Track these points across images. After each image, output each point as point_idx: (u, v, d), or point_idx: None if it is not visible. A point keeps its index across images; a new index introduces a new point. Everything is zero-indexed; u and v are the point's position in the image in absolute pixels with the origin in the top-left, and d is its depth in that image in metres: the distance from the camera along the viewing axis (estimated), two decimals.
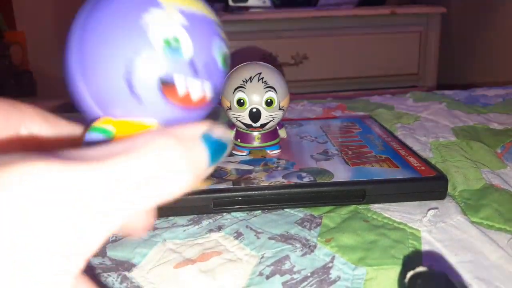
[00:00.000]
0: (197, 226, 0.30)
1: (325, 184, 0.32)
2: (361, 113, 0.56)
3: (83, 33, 0.14)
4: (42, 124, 0.16)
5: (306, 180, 0.33)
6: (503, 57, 1.11)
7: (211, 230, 0.30)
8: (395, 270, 0.25)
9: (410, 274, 0.20)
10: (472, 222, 0.30)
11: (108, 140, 0.15)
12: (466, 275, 0.25)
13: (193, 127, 0.14)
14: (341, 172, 0.34)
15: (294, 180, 0.33)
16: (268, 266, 0.26)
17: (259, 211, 0.32)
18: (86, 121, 0.15)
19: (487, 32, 1.16)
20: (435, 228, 0.29)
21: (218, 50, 0.15)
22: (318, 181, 0.33)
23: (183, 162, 0.13)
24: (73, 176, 0.11)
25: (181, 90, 0.14)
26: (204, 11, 0.15)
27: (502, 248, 0.27)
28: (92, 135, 0.15)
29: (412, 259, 0.26)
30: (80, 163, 0.11)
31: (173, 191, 0.13)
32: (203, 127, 0.14)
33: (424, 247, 0.27)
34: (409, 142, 0.45)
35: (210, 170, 0.14)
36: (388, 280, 0.25)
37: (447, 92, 0.66)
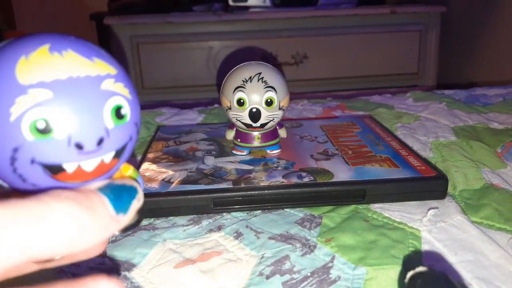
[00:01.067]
0: (197, 226, 0.30)
1: (325, 184, 0.32)
2: (361, 113, 0.56)
3: None
4: None
5: (306, 180, 0.33)
6: (503, 57, 1.11)
7: (211, 230, 0.30)
8: (395, 270, 0.25)
9: (410, 274, 0.20)
10: (472, 222, 0.30)
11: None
12: (466, 275, 0.25)
13: (88, 185, 0.14)
14: (341, 172, 0.34)
15: (294, 180, 0.33)
16: (268, 266, 0.26)
17: (259, 211, 0.32)
18: None
19: (487, 31, 1.16)
20: (435, 227, 0.29)
21: (109, 109, 0.14)
22: (318, 181, 0.33)
23: (84, 217, 0.13)
24: None
25: (69, 169, 0.14)
26: (81, 71, 0.13)
27: (502, 247, 0.27)
28: None
29: (412, 259, 0.26)
30: None
31: (79, 245, 0.13)
32: (101, 182, 0.14)
33: (424, 247, 0.27)
34: (409, 141, 0.45)
35: (122, 219, 0.14)
36: (388, 280, 0.25)
37: (447, 91, 0.66)
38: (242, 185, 0.32)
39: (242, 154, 0.38)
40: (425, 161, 0.36)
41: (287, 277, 0.25)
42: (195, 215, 0.31)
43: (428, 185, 0.33)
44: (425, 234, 0.29)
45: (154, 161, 0.37)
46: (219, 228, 0.30)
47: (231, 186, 0.32)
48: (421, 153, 0.41)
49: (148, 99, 1.17)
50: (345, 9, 1.20)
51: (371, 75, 1.25)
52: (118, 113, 0.14)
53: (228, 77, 0.37)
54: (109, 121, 0.14)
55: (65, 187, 0.14)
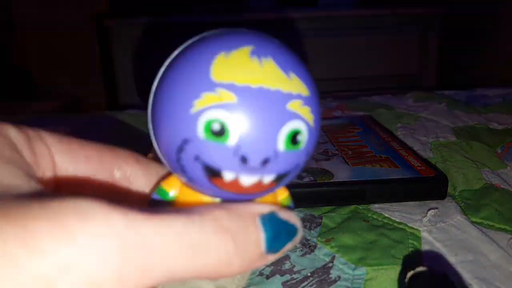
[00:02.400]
0: None
1: (325, 184, 0.32)
2: (361, 113, 0.56)
3: (154, 98, 0.14)
4: (134, 166, 0.17)
5: (306, 180, 0.33)
6: (503, 58, 1.11)
7: None
8: (395, 270, 0.25)
9: (410, 274, 0.20)
10: (472, 222, 0.30)
11: (169, 203, 0.15)
12: (466, 275, 0.25)
13: (253, 206, 0.13)
14: (341, 172, 0.34)
15: (294, 180, 0.33)
16: (268, 266, 0.26)
17: None
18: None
19: (487, 32, 1.16)
20: (435, 228, 0.29)
21: (286, 132, 0.13)
22: (318, 181, 0.33)
23: (229, 238, 0.12)
24: (133, 226, 0.11)
25: (227, 177, 0.13)
26: (273, 83, 0.13)
27: (502, 248, 0.27)
28: (156, 196, 0.15)
29: (412, 259, 0.26)
30: (143, 216, 0.11)
31: (212, 266, 0.12)
32: (265, 207, 0.13)
33: (424, 247, 0.27)
34: (409, 142, 0.45)
35: (269, 258, 0.13)
36: (388, 280, 0.25)
37: (447, 92, 0.66)
38: None
39: None
40: (425, 161, 0.36)
41: (287, 277, 0.25)
42: None
43: (428, 186, 0.33)
44: (425, 234, 0.29)
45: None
46: None
47: None
48: (421, 154, 0.41)
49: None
50: (345, 10, 1.20)
51: (371, 76, 1.25)
52: (294, 138, 0.13)
53: None
54: (282, 144, 0.13)
55: (221, 195, 0.14)
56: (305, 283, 0.24)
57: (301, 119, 0.13)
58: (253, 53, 0.13)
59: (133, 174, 0.17)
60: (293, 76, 0.13)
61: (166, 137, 0.13)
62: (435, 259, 0.26)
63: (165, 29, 1.14)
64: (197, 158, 0.13)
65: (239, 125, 0.12)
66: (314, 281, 0.24)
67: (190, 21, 1.14)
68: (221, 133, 0.12)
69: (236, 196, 0.14)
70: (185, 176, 0.14)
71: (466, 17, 1.25)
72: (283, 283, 0.24)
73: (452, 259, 0.26)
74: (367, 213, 0.31)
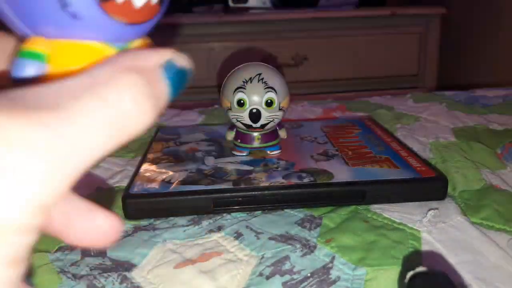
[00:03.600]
0: (197, 227, 0.30)
1: (325, 185, 0.32)
2: (361, 114, 0.56)
3: None
4: None
5: (306, 180, 0.33)
6: (503, 58, 1.11)
7: (211, 231, 0.30)
8: (395, 270, 0.25)
9: (410, 274, 0.20)
10: (472, 223, 0.30)
11: (41, 67, 0.13)
12: (466, 276, 0.25)
13: (154, 56, 0.13)
14: (341, 173, 0.34)
15: (294, 181, 0.33)
16: (268, 266, 0.26)
17: (259, 212, 0.32)
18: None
19: (487, 33, 1.16)
20: (435, 228, 0.29)
21: None
22: (318, 182, 0.33)
23: (148, 101, 0.12)
24: (39, 132, 0.10)
25: None
26: None
27: (502, 248, 0.27)
28: (22, 62, 0.13)
29: (412, 259, 0.26)
30: (43, 114, 0.10)
31: (135, 131, 0.12)
32: (164, 55, 0.13)
33: (424, 248, 0.27)
34: (409, 142, 0.45)
35: (167, 101, 0.13)
36: (388, 280, 0.25)
37: (447, 93, 0.66)
38: (242, 186, 0.32)
39: (242, 155, 0.38)
40: (425, 162, 0.36)
41: (287, 277, 0.25)
42: (195, 216, 0.32)
43: (428, 186, 0.33)
44: (425, 234, 0.29)
45: (154, 161, 0.37)
46: (219, 229, 0.30)
47: (231, 187, 0.32)
48: (421, 154, 0.41)
49: None
50: (345, 10, 1.20)
51: (371, 77, 1.25)
52: None
53: (228, 78, 0.37)
54: None
55: (108, 27, 0.12)
56: (305, 283, 0.24)
57: None
58: None
59: None
60: None
61: None
62: (435, 260, 0.26)
63: (165, 29, 1.15)
64: None
65: None
66: (314, 282, 0.24)
67: (190, 21, 1.14)
68: None
69: (125, 32, 0.13)
70: (63, 15, 0.12)
71: (466, 17, 1.25)
72: (283, 284, 0.24)
73: (452, 259, 0.26)
74: (367, 214, 0.31)
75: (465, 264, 0.26)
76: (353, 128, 0.46)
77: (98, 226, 0.15)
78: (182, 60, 0.14)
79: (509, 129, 0.49)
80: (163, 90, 0.13)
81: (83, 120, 0.11)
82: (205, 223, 0.31)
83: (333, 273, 0.25)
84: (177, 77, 0.13)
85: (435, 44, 1.25)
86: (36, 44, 0.12)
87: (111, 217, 0.15)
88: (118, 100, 0.11)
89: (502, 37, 1.11)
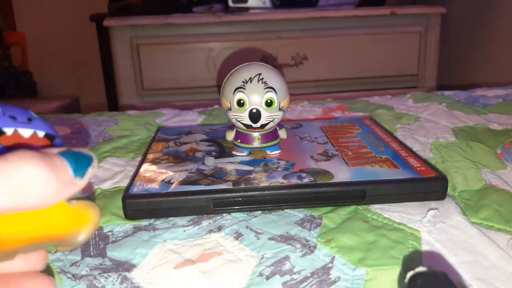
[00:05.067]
0: (197, 227, 0.30)
1: (325, 185, 0.32)
2: (361, 114, 0.56)
3: None
4: None
5: (306, 180, 0.33)
6: (503, 58, 1.11)
7: (211, 231, 0.30)
8: (395, 271, 0.25)
9: (410, 274, 0.20)
10: (472, 223, 0.30)
11: None
12: (466, 276, 0.25)
13: (49, 149, 0.16)
14: (341, 173, 0.34)
15: (294, 181, 0.33)
16: (268, 266, 0.26)
17: (259, 212, 0.32)
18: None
19: (487, 33, 1.16)
20: (435, 228, 0.29)
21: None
22: (318, 182, 0.33)
23: (49, 177, 0.15)
24: None
25: (8, 132, 0.16)
26: None
27: (502, 248, 0.27)
28: None
29: (412, 259, 0.26)
30: None
31: (41, 203, 0.15)
32: (57, 149, 0.16)
33: (424, 248, 0.27)
34: (409, 142, 0.45)
35: (79, 183, 0.16)
36: (388, 280, 0.25)
37: (447, 92, 0.66)
38: (242, 186, 0.32)
39: (242, 155, 0.38)
40: (425, 162, 0.36)
41: (287, 277, 0.25)
42: (195, 216, 0.32)
43: (428, 186, 0.33)
44: (425, 235, 0.29)
45: (154, 162, 0.38)
46: (219, 229, 0.30)
47: (231, 187, 0.32)
48: (420, 154, 0.41)
49: (148, 100, 1.17)
50: (345, 10, 1.20)
51: (371, 77, 1.25)
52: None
53: (228, 78, 0.37)
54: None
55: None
56: (305, 283, 0.24)
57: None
58: None
59: None
60: None
61: None
62: (435, 260, 0.26)
63: (165, 30, 1.14)
64: None
65: None
66: (314, 282, 0.25)
67: (190, 21, 1.14)
68: None
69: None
70: None
71: (466, 17, 1.25)
72: (283, 284, 0.24)
73: (452, 259, 0.26)
74: (367, 214, 0.31)
75: (465, 264, 0.26)
76: (353, 128, 0.46)
77: None
78: (78, 149, 0.17)
79: (509, 129, 0.49)
80: (63, 164, 0.15)
81: None
82: (205, 223, 0.31)
83: (333, 273, 0.25)
84: (76, 157, 0.16)
85: (435, 43, 1.25)
86: None
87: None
88: (13, 165, 0.14)
89: (502, 37, 1.11)
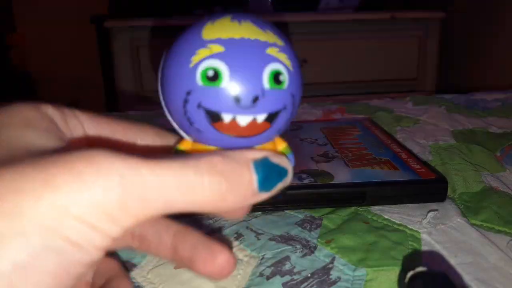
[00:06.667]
0: (197, 227, 0.30)
1: (325, 186, 0.32)
2: (361, 116, 0.57)
3: (162, 72, 0.17)
4: (154, 138, 0.20)
5: (306, 181, 0.33)
6: (502, 62, 1.11)
7: (211, 231, 0.30)
8: (395, 271, 0.25)
9: (410, 274, 0.20)
10: (472, 224, 0.30)
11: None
12: (466, 277, 0.25)
13: (248, 152, 0.16)
14: (341, 174, 0.34)
15: (295, 182, 0.33)
16: (268, 267, 0.26)
17: (259, 212, 0.32)
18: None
19: (486, 37, 1.17)
20: (435, 230, 0.29)
21: (268, 71, 0.15)
22: (318, 183, 0.33)
23: (226, 184, 0.14)
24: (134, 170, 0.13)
25: (226, 119, 0.15)
26: (252, 35, 0.15)
27: (502, 250, 0.27)
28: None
29: (412, 260, 0.26)
30: (141, 160, 0.14)
31: (206, 205, 0.15)
32: (258, 153, 0.16)
33: (424, 249, 0.27)
34: (409, 145, 0.45)
35: (262, 196, 0.16)
36: (388, 281, 0.25)
37: (446, 96, 0.66)
38: None
39: None
40: (424, 164, 0.36)
41: (287, 278, 0.25)
42: (196, 216, 0.31)
43: (428, 188, 0.33)
44: (425, 236, 0.29)
45: None
46: (220, 229, 0.30)
47: None
48: (420, 156, 0.41)
49: (147, 101, 1.17)
50: (345, 14, 1.20)
51: (371, 80, 1.25)
52: (276, 78, 0.15)
53: None
54: (267, 82, 0.15)
55: (222, 139, 0.16)
56: (305, 284, 0.24)
57: (280, 62, 0.16)
58: (233, 18, 0.16)
59: (154, 143, 0.20)
60: (268, 31, 0.16)
61: (173, 96, 0.16)
62: (434, 261, 0.26)
63: (165, 31, 1.15)
64: (199, 105, 0.15)
65: (229, 69, 0.15)
66: (314, 282, 0.25)
67: (190, 23, 1.14)
68: (215, 77, 0.15)
69: (238, 141, 0.16)
70: (192, 129, 0.16)
71: (465, 21, 1.26)
72: (284, 284, 0.24)
73: (451, 260, 0.26)
74: (367, 215, 0.31)
75: (465, 265, 0.26)
76: (353, 130, 0.46)
77: (217, 263, 0.18)
78: (278, 159, 0.16)
79: (508, 132, 0.50)
80: (249, 179, 0.15)
81: (163, 178, 0.14)
82: (205, 223, 0.31)
83: (333, 274, 0.25)
84: (269, 172, 0.16)
85: (435, 47, 1.25)
86: (183, 144, 0.18)
87: (228, 255, 0.18)
88: (194, 173, 0.14)
89: (501, 41, 1.12)
